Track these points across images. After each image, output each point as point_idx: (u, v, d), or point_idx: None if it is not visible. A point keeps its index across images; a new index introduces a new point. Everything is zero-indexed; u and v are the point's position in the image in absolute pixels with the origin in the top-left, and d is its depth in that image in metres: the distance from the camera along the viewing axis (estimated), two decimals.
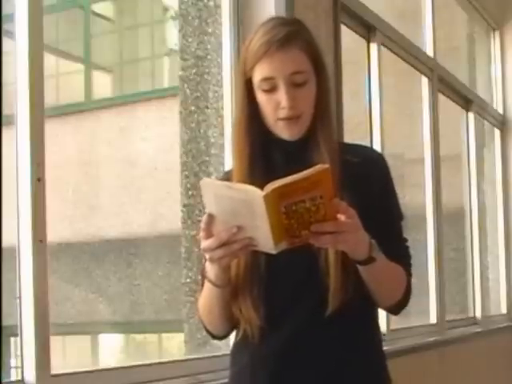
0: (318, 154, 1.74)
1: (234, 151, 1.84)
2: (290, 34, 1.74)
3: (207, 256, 1.64)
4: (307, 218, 1.53)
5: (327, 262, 1.71)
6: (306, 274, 1.74)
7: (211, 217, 1.59)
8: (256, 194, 1.49)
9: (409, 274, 1.84)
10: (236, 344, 1.86)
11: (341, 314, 1.72)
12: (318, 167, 1.53)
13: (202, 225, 1.61)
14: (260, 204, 1.49)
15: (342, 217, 1.57)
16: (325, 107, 1.80)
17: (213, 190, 1.57)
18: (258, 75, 1.75)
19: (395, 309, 1.87)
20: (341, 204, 1.56)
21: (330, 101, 1.84)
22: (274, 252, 1.56)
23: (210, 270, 1.71)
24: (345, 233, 1.56)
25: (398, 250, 1.81)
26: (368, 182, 1.77)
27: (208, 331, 1.90)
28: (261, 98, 1.77)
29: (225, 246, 1.59)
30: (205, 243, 1.62)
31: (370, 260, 1.67)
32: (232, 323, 1.83)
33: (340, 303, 1.71)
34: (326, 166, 1.53)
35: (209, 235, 1.61)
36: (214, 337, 1.92)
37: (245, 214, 1.53)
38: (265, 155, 1.80)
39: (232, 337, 1.96)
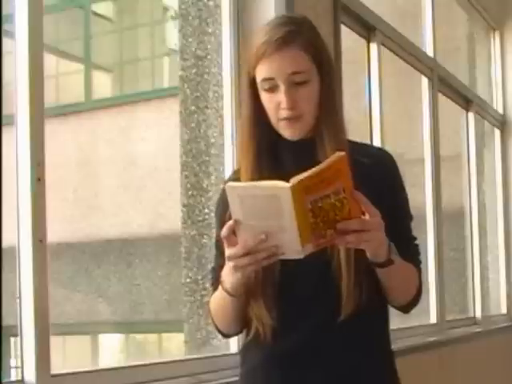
0: (323, 155, 1.74)
1: (241, 150, 1.84)
2: (289, 33, 1.73)
3: (231, 264, 1.63)
4: (332, 215, 1.53)
5: (340, 269, 1.71)
6: (319, 279, 1.74)
7: (237, 223, 1.57)
8: (283, 186, 1.50)
9: (419, 271, 1.86)
10: (247, 343, 1.86)
11: (354, 318, 1.72)
12: (335, 155, 1.54)
13: (225, 231, 1.60)
14: (287, 197, 1.49)
15: (366, 215, 1.58)
16: (330, 106, 1.79)
17: (238, 192, 1.56)
18: (259, 75, 1.76)
19: (408, 307, 1.89)
20: (361, 196, 1.57)
21: (337, 99, 1.82)
22: (300, 256, 1.55)
23: (228, 279, 1.70)
24: (370, 231, 1.58)
25: (408, 249, 1.83)
26: (379, 182, 1.76)
27: (219, 331, 1.90)
28: (263, 97, 1.77)
29: (250, 254, 1.58)
30: (230, 251, 1.61)
31: (389, 262, 1.68)
32: (244, 322, 1.83)
33: (352, 310, 1.72)
34: (342, 153, 1.54)
35: (232, 243, 1.60)
36: (225, 335, 1.93)
37: (271, 214, 1.53)
38: (272, 154, 1.79)
39: (231, 337, 1.96)
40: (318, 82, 1.77)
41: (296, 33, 1.75)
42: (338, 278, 1.71)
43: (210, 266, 1.98)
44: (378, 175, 1.79)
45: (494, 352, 5.81)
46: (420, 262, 1.88)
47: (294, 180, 1.50)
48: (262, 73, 1.75)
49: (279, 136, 1.80)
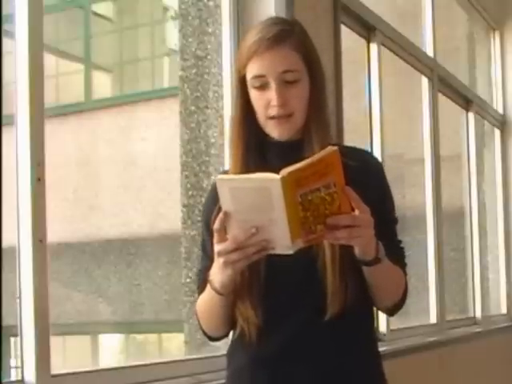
0: (311, 155, 1.74)
1: (229, 150, 1.84)
2: (282, 32, 1.74)
3: (221, 260, 1.62)
4: (322, 210, 1.53)
5: (325, 267, 1.71)
6: (304, 278, 1.74)
7: (226, 215, 1.57)
8: (273, 177, 1.50)
9: (405, 274, 1.87)
10: (232, 343, 1.87)
11: (340, 317, 1.72)
12: (328, 149, 1.54)
13: (217, 225, 1.60)
14: (277, 189, 1.49)
15: (356, 212, 1.58)
16: (319, 107, 1.79)
17: (229, 185, 1.56)
18: (250, 73, 1.76)
19: (393, 310, 1.89)
20: (352, 193, 1.57)
21: (326, 101, 1.83)
22: (290, 252, 1.55)
23: (217, 278, 1.69)
24: (360, 227, 1.58)
25: (394, 251, 1.82)
26: (365, 186, 1.76)
27: (205, 333, 1.90)
28: (253, 95, 1.77)
29: (240, 249, 1.58)
30: (220, 246, 1.61)
31: (376, 261, 1.68)
32: (231, 325, 1.83)
33: (338, 308, 1.72)
34: (335, 148, 1.54)
35: (222, 239, 1.60)
36: (211, 338, 1.92)
37: (261, 207, 1.52)
38: (260, 155, 1.80)
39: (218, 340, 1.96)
40: (308, 82, 1.77)
41: (288, 32, 1.76)
42: (322, 277, 1.71)
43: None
44: (365, 179, 1.78)
45: (494, 352, 5.81)
46: (405, 264, 1.88)
47: (284, 172, 1.50)
48: (253, 70, 1.75)
49: (266, 136, 1.80)
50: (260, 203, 1.53)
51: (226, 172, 1.89)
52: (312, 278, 1.72)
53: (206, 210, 1.85)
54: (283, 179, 1.49)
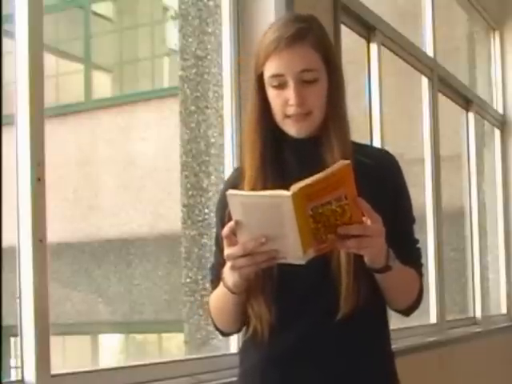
0: (330, 154, 1.73)
1: (245, 148, 1.83)
2: (301, 31, 1.74)
3: (229, 264, 1.63)
4: (333, 221, 1.54)
5: (339, 268, 1.71)
6: (318, 277, 1.74)
7: (238, 224, 1.57)
8: (284, 194, 1.50)
9: (421, 275, 1.86)
10: (245, 342, 1.86)
11: (352, 317, 1.72)
12: (340, 163, 1.54)
13: (226, 231, 1.60)
14: (288, 205, 1.49)
15: (367, 221, 1.58)
16: (337, 106, 1.78)
17: (240, 200, 1.56)
18: (268, 71, 1.75)
19: (408, 311, 1.89)
20: (364, 203, 1.56)
21: (344, 100, 1.82)
22: (302, 262, 1.56)
23: (229, 277, 1.69)
24: (370, 237, 1.58)
25: (411, 252, 1.83)
26: (382, 184, 1.76)
27: (217, 328, 1.90)
28: (271, 93, 1.76)
29: (249, 255, 1.58)
30: (229, 250, 1.61)
31: (386, 268, 1.68)
32: (242, 322, 1.83)
33: (351, 308, 1.71)
34: (347, 161, 1.53)
35: (232, 243, 1.60)
36: (224, 334, 1.92)
37: (273, 222, 1.53)
38: (277, 153, 1.79)
39: (233, 337, 1.96)
40: (326, 80, 1.77)
41: (307, 30, 1.75)
42: (337, 278, 1.71)
43: (209, 264, 1.98)
44: (380, 176, 1.78)
45: (494, 352, 5.81)
46: (422, 265, 1.87)
47: (295, 188, 1.50)
48: (271, 69, 1.74)
49: (283, 134, 1.79)
50: (271, 218, 1.53)
51: (238, 169, 1.89)
52: (325, 279, 1.72)
53: (221, 206, 1.84)
54: (294, 195, 1.49)
